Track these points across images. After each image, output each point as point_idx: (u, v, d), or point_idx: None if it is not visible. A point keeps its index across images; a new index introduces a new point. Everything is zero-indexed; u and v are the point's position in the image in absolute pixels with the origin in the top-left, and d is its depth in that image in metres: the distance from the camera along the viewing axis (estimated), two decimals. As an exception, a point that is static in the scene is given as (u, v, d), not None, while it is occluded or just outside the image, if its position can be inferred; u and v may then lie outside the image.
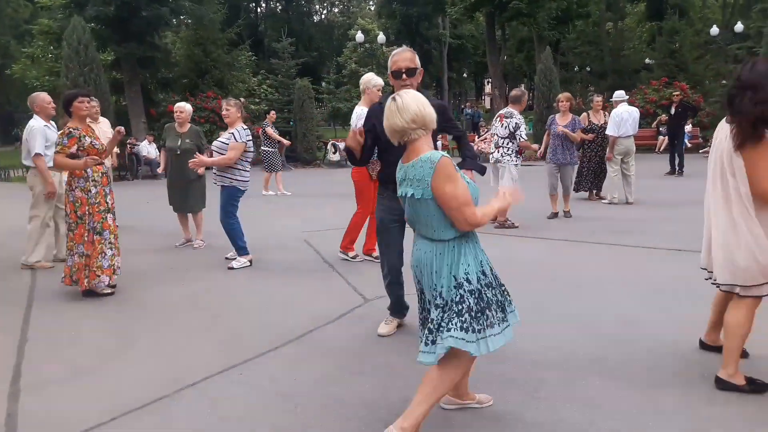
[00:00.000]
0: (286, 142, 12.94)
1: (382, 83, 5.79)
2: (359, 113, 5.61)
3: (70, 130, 4.85)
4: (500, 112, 7.80)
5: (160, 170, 7.53)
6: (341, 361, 3.55)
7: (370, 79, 5.71)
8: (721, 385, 3.00)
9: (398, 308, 4.05)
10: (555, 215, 8.08)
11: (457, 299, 2.43)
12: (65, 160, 4.82)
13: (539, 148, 8.40)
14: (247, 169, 5.94)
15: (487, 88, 55.16)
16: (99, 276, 4.90)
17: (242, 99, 8.78)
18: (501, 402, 2.97)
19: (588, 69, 36.41)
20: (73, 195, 4.87)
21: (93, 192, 4.88)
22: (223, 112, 5.94)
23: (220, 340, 3.95)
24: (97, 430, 2.82)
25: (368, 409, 2.94)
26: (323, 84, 31.65)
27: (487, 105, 45.48)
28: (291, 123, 21.52)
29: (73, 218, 4.88)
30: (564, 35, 35.35)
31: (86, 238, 4.87)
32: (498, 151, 7.59)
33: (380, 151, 3.79)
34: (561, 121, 8.11)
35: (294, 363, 3.55)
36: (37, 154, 5.85)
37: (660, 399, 2.95)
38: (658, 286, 4.83)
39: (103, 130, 7.83)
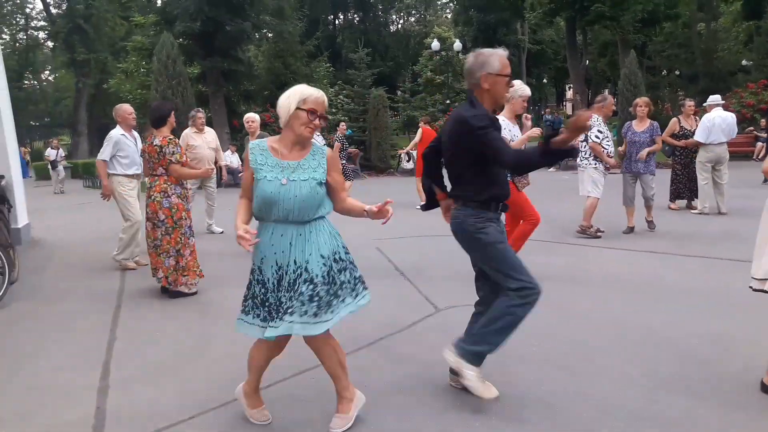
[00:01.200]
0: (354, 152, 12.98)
1: (529, 93, 5.41)
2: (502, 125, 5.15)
3: (175, 140, 5.19)
4: None
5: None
6: (412, 370, 3.53)
7: (517, 89, 5.21)
8: None
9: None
10: (631, 230, 7.65)
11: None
12: (184, 170, 5.21)
13: (615, 161, 7.79)
14: None
15: (568, 94, 53.76)
16: (193, 275, 5.27)
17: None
18: (575, 419, 2.85)
19: (677, 72, 34.71)
20: (169, 201, 5.13)
21: (186, 198, 5.30)
22: None
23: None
24: (177, 426, 2.93)
25: (437, 419, 2.91)
26: (398, 93, 31.90)
27: (569, 111, 44.32)
28: (348, 132, 21.77)
29: (170, 223, 5.13)
30: (650, 38, 33.89)
31: (182, 241, 5.17)
32: (578, 157, 7.38)
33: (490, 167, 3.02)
34: (638, 128, 7.74)
35: (365, 370, 3.56)
36: (102, 160, 6.25)
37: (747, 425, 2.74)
38: (750, 302, 4.50)
39: (208, 140, 8.29)
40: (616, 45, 33.67)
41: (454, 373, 3.12)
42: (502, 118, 5.21)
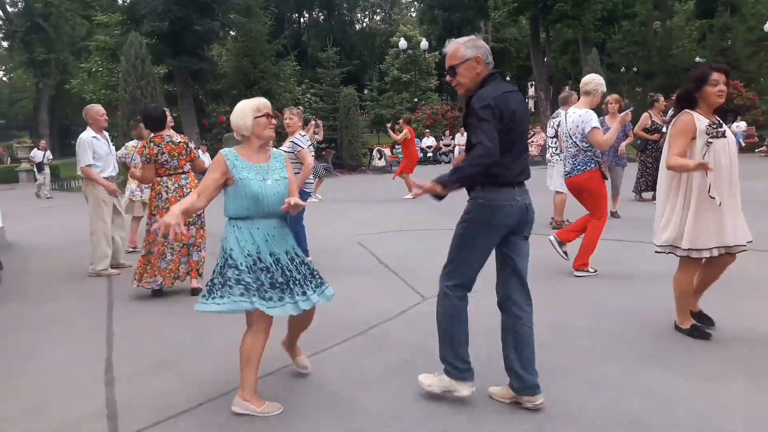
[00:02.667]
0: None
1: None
2: (585, 116, 5.28)
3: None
4: (552, 115, 7.99)
5: None
6: (404, 355, 3.74)
7: (600, 83, 5.41)
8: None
9: None
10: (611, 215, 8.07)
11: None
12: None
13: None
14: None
15: (531, 91, 54.61)
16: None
17: (300, 108, 9.16)
18: (562, 393, 3.10)
19: (635, 69, 35.72)
20: (162, 202, 5.21)
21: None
22: (286, 121, 6.17)
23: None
24: (187, 414, 3.07)
25: (430, 399, 3.11)
26: (366, 91, 32.05)
27: (531, 108, 45.07)
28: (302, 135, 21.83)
29: (204, 217, 5.31)
30: (610, 36, 34.81)
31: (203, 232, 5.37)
32: (548, 152, 7.75)
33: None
34: (610, 123, 8.11)
35: (359, 356, 3.77)
36: (86, 166, 6.16)
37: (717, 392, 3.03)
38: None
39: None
40: (577, 43, 34.55)
41: None
42: (586, 110, 5.37)
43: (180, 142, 5.27)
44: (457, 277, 2.98)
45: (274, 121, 3.09)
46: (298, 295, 3.01)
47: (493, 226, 2.91)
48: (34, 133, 36.87)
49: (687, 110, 3.61)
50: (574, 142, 5.32)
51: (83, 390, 3.42)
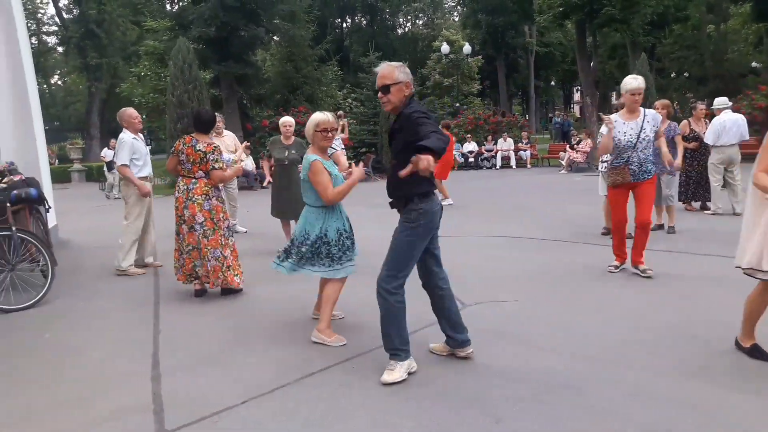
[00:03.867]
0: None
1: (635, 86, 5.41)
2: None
3: (219, 148, 5.39)
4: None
5: (266, 182, 7.78)
6: (443, 361, 3.72)
7: (624, 82, 5.50)
8: None
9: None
10: (659, 227, 7.85)
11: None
12: (225, 176, 5.36)
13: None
14: None
15: (576, 96, 53.71)
16: (238, 273, 5.41)
17: (341, 112, 9.30)
18: (605, 402, 3.04)
19: (686, 75, 34.75)
20: (209, 203, 5.24)
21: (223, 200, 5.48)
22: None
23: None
24: (231, 410, 3.13)
25: (468, 404, 3.09)
26: (407, 96, 32.03)
27: (577, 113, 44.37)
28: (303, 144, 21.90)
29: (210, 225, 5.22)
30: (660, 40, 33.95)
31: (222, 242, 5.30)
32: (603, 162, 7.56)
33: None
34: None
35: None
36: (123, 165, 6.34)
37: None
38: None
39: (227, 143, 8.51)
40: (625, 47, 33.77)
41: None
42: (616, 117, 5.53)
43: (200, 150, 5.20)
44: (402, 278, 3.44)
45: (329, 135, 4.13)
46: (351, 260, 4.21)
47: (432, 228, 3.54)
48: (86, 135, 38.14)
49: None
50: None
51: (130, 384, 3.53)
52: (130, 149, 6.37)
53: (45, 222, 6.41)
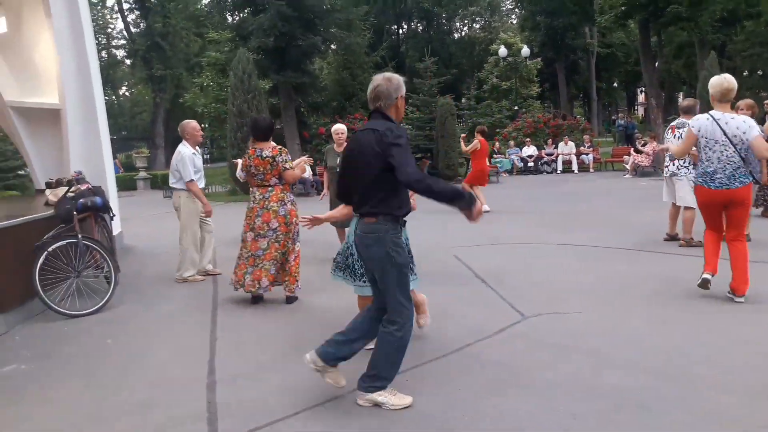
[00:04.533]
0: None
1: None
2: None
3: (284, 149, 5.44)
4: (672, 123, 7.34)
5: (321, 196, 7.78)
6: (501, 375, 3.58)
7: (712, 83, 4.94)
8: None
9: None
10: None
11: None
12: (297, 173, 5.42)
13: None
14: None
15: (640, 98, 52.02)
16: (293, 281, 5.46)
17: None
18: (672, 423, 2.84)
19: (760, 73, 33.03)
20: (285, 209, 5.32)
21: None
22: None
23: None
24: (286, 421, 3.11)
25: (531, 421, 2.96)
26: (463, 100, 31.81)
27: (641, 115, 42.93)
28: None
29: (283, 230, 5.32)
30: (731, 37, 32.40)
31: (290, 247, 5.41)
32: (674, 164, 7.21)
33: None
34: None
35: (455, 374, 3.65)
36: (192, 181, 6.41)
37: None
38: None
39: None
40: (692, 46, 32.42)
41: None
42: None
43: (267, 156, 5.25)
44: (411, 313, 3.23)
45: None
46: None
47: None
48: (151, 144, 39.66)
49: None
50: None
51: (186, 391, 3.57)
52: (192, 164, 6.44)
53: (110, 229, 6.64)
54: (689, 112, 7.12)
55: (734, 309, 4.65)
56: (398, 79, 3.28)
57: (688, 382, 3.34)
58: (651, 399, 3.14)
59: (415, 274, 3.81)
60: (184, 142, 6.56)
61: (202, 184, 6.67)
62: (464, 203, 3.04)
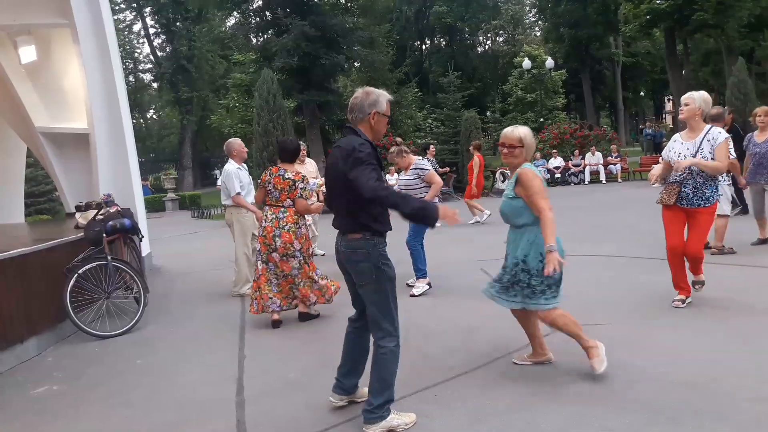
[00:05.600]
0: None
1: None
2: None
3: (307, 177, 5.44)
4: None
5: None
6: (532, 388, 3.51)
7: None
8: None
9: None
10: (763, 241, 7.20)
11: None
12: (309, 207, 5.42)
13: (739, 177, 7.44)
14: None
15: (668, 106, 51.33)
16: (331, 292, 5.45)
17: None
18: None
19: (790, 78, 32.35)
20: (301, 232, 5.29)
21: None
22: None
23: (411, 362, 4.08)
24: (311, 439, 3.08)
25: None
26: (488, 114, 31.73)
27: (670, 124, 42.27)
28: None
29: (305, 252, 5.29)
30: (759, 43, 31.83)
31: (307, 267, 5.34)
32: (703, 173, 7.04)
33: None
34: (759, 138, 7.24)
35: (484, 387, 3.60)
36: (238, 194, 6.49)
37: None
38: None
39: (309, 170, 8.64)
40: (719, 53, 31.91)
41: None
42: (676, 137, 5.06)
43: (289, 178, 5.28)
44: (397, 330, 3.17)
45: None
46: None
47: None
48: (179, 165, 40.38)
49: None
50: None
51: (216, 409, 3.57)
52: (237, 178, 6.54)
53: (139, 251, 6.73)
54: (718, 119, 6.96)
55: (750, 315, 4.48)
56: (378, 94, 3.18)
57: (723, 393, 3.21)
58: (684, 412, 3.03)
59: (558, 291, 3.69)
60: (230, 160, 6.70)
61: (250, 199, 6.67)
62: (428, 215, 2.92)
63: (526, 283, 3.62)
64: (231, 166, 6.62)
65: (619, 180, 20.67)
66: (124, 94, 8.78)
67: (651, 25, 29.58)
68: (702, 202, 4.81)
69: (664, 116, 55.15)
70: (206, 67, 40.77)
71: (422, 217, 2.93)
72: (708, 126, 4.89)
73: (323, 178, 5.73)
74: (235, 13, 25.82)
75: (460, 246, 9.25)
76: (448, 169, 20.04)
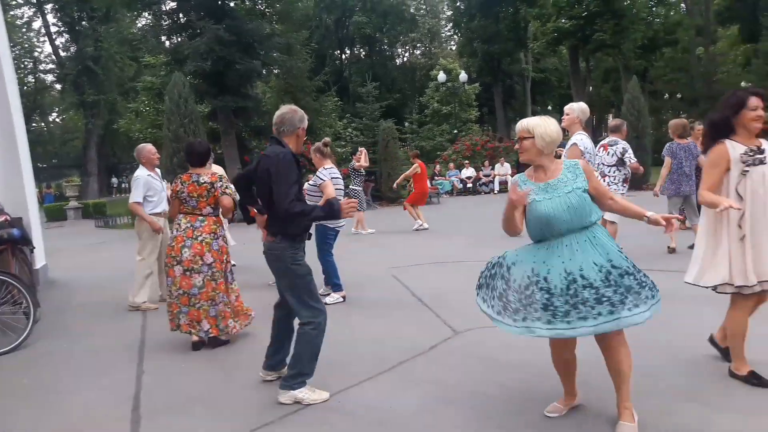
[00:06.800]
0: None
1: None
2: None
3: (224, 175, 5.16)
4: (602, 142, 7.64)
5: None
6: (435, 392, 3.58)
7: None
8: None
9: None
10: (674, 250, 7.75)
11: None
12: (231, 200, 4.93)
13: (643, 170, 8.01)
14: None
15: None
16: (245, 318, 5.07)
17: (326, 139, 9.31)
18: None
19: (679, 96, 35.08)
20: (218, 243, 4.84)
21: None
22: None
23: (317, 370, 4.05)
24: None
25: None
26: (406, 124, 32.26)
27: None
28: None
29: (218, 267, 4.80)
30: (651, 63, 34.30)
31: (228, 287, 4.92)
32: (604, 180, 7.47)
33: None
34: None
35: (388, 392, 3.64)
36: (135, 203, 6.21)
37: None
38: None
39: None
40: (618, 71, 34.10)
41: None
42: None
43: (205, 182, 4.84)
44: (322, 312, 3.57)
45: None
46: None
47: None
48: (84, 171, 38.28)
49: (721, 139, 3.39)
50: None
51: (110, 429, 3.39)
52: (145, 186, 6.25)
53: (30, 263, 6.30)
54: (617, 131, 7.51)
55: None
56: (302, 113, 3.65)
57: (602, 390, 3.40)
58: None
59: (655, 294, 2.82)
60: (140, 166, 6.41)
61: (161, 208, 6.39)
62: (334, 209, 3.46)
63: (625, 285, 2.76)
64: (141, 172, 6.33)
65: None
66: (16, 96, 8.22)
67: (557, 43, 31.22)
68: None
69: (585, 127, 58.08)
70: (114, 69, 38.90)
71: (331, 212, 3.46)
72: (578, 132, 5.68)
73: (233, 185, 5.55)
74: (145, 14, 24.89)
75: (370, 254, 9.34)
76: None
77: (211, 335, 4.83)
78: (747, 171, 3.28)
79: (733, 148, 3.33)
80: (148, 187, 6.28)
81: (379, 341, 4.70)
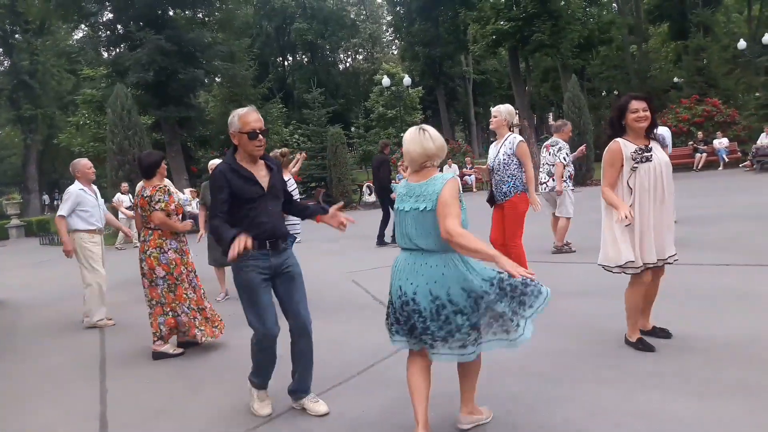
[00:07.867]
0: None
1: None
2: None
3: (167, 188, 4.98)
4: (546, 142, 8.01)
5: (199, 238, 6.82)
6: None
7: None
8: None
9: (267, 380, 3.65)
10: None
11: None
12: (167, 220, 4.84)
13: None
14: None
15: (515, 120, 55.20)
16: (221, 321, 5.14)
17: (284, 150, 9.25)
18: (563, 422, 3.07)
19: (616, 93, 36.45)
20: (166, 257, 4.84)
21: (183, 252, 5.02)
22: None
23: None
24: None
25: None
26: (353, 129, 32.37)
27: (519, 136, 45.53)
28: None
29: (171, 280, 4.84)
30: (588, 62, 35.53)
31: (190, 295, 4.95)
32: (552, 179, 7.76)
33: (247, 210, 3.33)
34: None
35: (359, 396, 3.71)
36: (60, 216, 6.07)
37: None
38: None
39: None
40: (557, 70, 35.19)
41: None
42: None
43: (146, 195, 4.86)
44: (259, 331, 3.38)
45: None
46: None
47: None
48: (24, 188, 36.79)
49: (616, 138, 3.85)
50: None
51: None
52: (74, 201, 6.08)
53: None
54: (558, 131, 7.87)
55: (594, 302, 5.06)
56: (233, 114, 3.31)
57: (572, 381, 3.60)
58: (502, 397, 3.36)
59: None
60: (76, 180, 6.26)
61: (94, 225, 6.21)
62: (224, 245, 3.08)
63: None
64: (74, 186, 6.19)
65: (475, 190, 22.06)
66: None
67: (496, 45, 31.91)
68: (501, 197, 5.60)
69: (512, 129, 59.38)
70: (52, 83, 37.57)
71: (221, 241, 3.14)
72: (508, 134, 5.72)
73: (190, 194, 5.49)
74: (82, 25, 24.16)
75: (328, 259, 9.40)
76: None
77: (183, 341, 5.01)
78: (636, 167, 3.75)
79: (625, 147, 3.79)
80: (78, 201, 6.12)
81: (345, 346, 4.75)
